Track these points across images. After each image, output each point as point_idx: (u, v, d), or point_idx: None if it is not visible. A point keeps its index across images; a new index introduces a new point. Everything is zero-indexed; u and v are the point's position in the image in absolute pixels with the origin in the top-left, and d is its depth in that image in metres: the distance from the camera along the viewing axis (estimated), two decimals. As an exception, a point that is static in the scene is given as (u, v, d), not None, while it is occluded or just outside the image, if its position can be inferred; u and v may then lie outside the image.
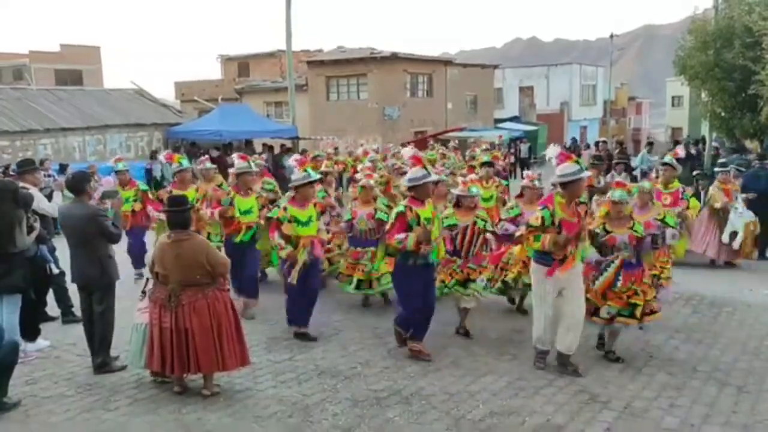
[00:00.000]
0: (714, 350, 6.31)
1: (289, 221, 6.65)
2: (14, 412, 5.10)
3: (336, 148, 17.76)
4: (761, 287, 8.67)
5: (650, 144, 20.54)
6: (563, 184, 5.56)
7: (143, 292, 5.57)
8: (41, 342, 6.56)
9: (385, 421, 4.90)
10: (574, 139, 28.79)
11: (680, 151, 8.84)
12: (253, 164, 7.97)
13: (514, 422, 4.86)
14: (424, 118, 27.68)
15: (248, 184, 7.68)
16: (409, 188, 6.04)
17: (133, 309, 5.67)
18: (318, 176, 7.20)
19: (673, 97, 49.35)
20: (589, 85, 43.61)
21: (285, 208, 6.72)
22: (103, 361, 5.86)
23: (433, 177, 6.23)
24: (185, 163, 9.15)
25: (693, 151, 19.52)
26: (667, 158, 8.45)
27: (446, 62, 30.61)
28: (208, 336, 5.17)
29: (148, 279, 5.56)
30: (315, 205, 6.96)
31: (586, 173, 5.72)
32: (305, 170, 6.81)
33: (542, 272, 5.68)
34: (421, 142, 20.37)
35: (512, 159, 25.98)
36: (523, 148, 28.28)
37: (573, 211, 5.61)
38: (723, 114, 17.86)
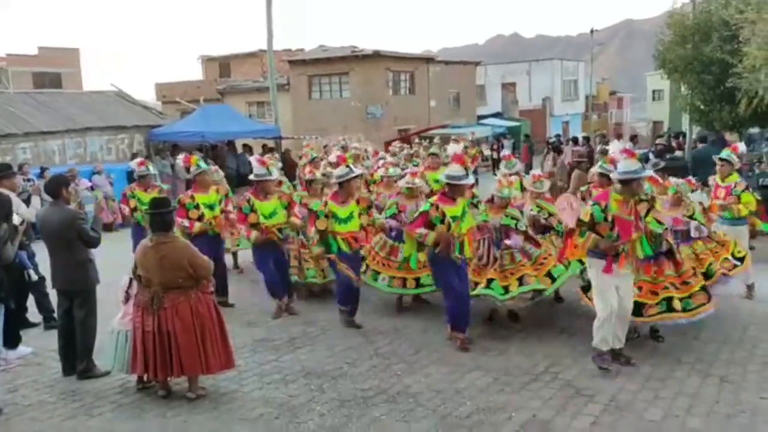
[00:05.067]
0: (697, 341, 6.37)
1: (326, 216, 6.74)
2: (-4, 421, 5.05)
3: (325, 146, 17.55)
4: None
5: (634, 137, 20.72)
6: (622, 182, 5.53)
7: (126, 293, 5.51)
8: (23, 349, 6.49)
9: (372, 420, 4.90)
10: (558, 135, 28.93)
11: (740, 146, 8.88)
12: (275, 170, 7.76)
13: (500, 418, 4.87)
14: (408, 116, 27.65)
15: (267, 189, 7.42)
16: (447, 184, 6.23)
17: (115, 314, 5.60)
18: (360, 172, 7.34)
19: (653, 91, 49.65)
20: (570, 80, 43.87)
21: (326, 203, 6.87)
22: (85, 367, 5.80)
23: (471, 180, 6.40)
24: (203, 165, 8.27)
25: (674, 144, 19.68)
26: (725, 153, 8.48)
27: (428, 59, 30.61)
28: (190, 338, 5.14)
29: (131, 279, 5.50)
30: (358, 201, 6.97)
31: (647, 172, 5.76)
32: (347, 165, 6.96)
33: (599, 267, 5.60)
34: (405, 140, 20.33)
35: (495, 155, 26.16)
36: (506, 144, 28.43)
37: (631, 210, 5.55)
38: (702, 107, 18.00)
